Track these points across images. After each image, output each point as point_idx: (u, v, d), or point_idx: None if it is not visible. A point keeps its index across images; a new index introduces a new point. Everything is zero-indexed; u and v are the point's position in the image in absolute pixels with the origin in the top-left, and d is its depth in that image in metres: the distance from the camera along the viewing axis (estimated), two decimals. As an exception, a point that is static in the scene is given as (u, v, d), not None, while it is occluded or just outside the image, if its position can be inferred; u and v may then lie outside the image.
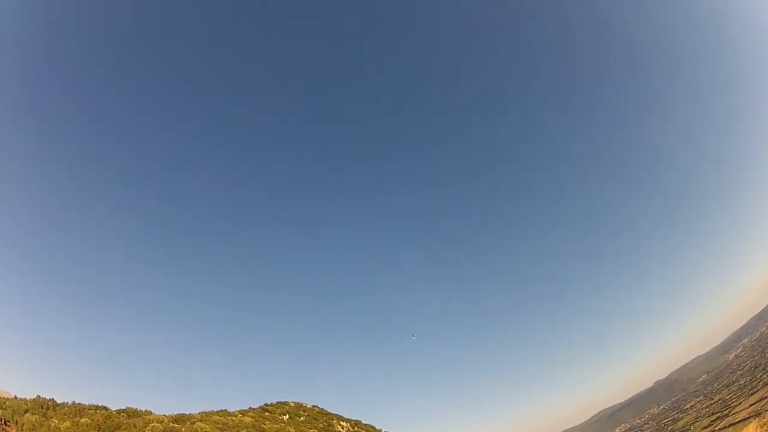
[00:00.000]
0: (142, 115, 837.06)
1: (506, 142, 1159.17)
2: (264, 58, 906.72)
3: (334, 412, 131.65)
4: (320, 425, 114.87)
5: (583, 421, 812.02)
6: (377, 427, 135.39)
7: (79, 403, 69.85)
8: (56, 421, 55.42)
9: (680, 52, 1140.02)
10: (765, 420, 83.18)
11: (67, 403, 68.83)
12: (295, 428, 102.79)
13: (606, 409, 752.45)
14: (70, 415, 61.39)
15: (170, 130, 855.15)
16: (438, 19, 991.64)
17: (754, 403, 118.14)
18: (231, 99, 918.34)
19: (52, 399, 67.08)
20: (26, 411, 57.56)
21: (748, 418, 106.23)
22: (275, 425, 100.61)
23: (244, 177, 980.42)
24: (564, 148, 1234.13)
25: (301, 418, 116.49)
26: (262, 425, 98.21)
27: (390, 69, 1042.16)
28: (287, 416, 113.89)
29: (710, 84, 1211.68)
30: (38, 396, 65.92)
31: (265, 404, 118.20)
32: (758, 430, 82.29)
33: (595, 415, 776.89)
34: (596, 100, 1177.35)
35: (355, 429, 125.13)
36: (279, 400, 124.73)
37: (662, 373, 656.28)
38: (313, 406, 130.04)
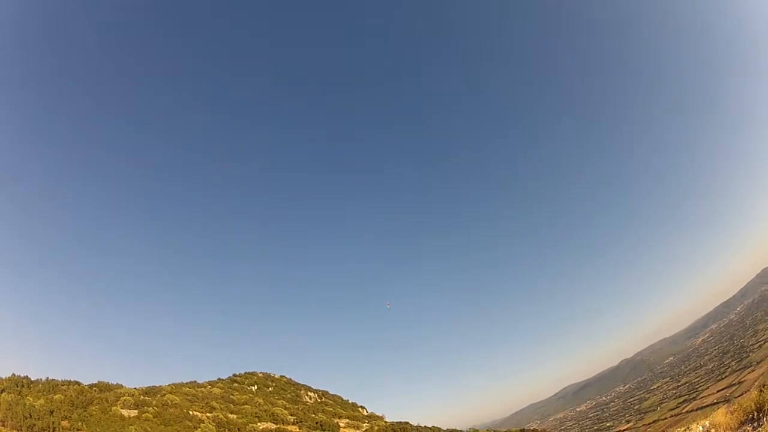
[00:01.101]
0: (141, 113, 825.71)
1: (498, 138, 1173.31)
2: (261, 56, 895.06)
3: (302, 383, 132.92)
4: (288, 395, 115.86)
5: (549, 396, 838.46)
6: (344, 398, 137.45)
7: (53, 379, 69.39)
8: (31, 399, 54.63)
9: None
10: (734, 407, 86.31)
11: (41, 379, 68.20)
12: (263, 399, 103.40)
13: (571, 385, 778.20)
14: (44, 392, 60.91)
15: (166, 128, 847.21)
16: (441, 20, 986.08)
17: (723, 389, 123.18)
18: (229, 96, 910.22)
19: (27, 376, 66.43)
20: (2, 390, 56.66)
21: (717, 403, 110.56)
22: (244, 396, 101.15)
23: (230, 160, 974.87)
24: (550, 142, 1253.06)
25: (270, 388, 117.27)
26: (231, 396, 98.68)
27: (386, 67, 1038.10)
28: (255, 387, 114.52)
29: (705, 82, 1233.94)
30: (13, 374, 65.03)
31: (234, 375, 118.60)
32: (727, 416, 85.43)
33: (560, 391, 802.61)
34: (583, 98, 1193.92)
35: (323, 399, 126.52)
36: (247, 371, 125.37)
37: (628, 353, 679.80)
38: (281, 377, 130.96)
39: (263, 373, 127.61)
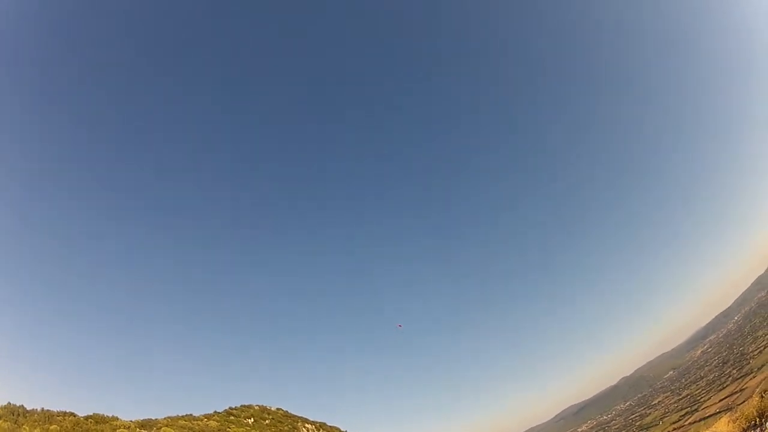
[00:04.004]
0: (140, 117, 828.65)
1: (499, 140, 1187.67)
2: (258, 58, 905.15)
3: (299, 415, 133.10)
4: (285, 428, 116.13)
5: (548, 419, 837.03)
6: (342, 429, 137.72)
7: (48, 410, 69.42)
8: (27, 428, 55.36)
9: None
10: (737, 414, 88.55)
11: (36, 409, 68.33)
12: (260, 431, 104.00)
13: (571, 406, 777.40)
14: (40, 422, 61.25)
15: (166, 131, 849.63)
16: (437, 19, 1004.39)
17: (725, 398, 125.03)
18: (226, 100, 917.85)
19: (22, 405, 66.59)
20: (-2, 418, 57.35)
21: (719, 412, 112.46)
22: (240, 429, 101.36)
23: (224, 176, 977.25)
24: (552, 146, 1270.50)
25: (266, 421, 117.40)
26: (228, 429, 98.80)
27: (385, 67, 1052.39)
28: (252, 420, 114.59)
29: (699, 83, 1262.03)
30: (9, 402, 65.33)
31: (230, 408, 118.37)
32: (730, 424, 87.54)
33: (560, 413, 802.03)
34: (585, 101, 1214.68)
35: (321, 431, 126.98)
36: (243, 403, 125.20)
37: (627, 370, 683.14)
38: (278, 409, 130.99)
39: (259, 406, 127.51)
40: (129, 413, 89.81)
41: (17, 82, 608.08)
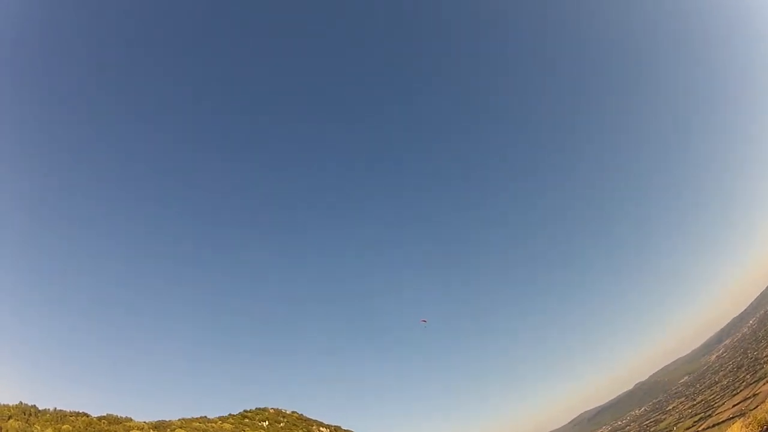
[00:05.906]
0: (140, 118, 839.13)
1: (504, 142, 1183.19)
2: (259, 59, 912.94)
3: (314, 418, 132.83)
4: (300, 431, 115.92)
5: (564, 423, 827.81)
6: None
7: (60, 410, 70.01)
8: (39, 428, 55.79)
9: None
10: (749, 420, 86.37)
11: (49, 409, 68.90)
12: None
13: (586, 411, 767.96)
14: (52, 422, 61.71)
15: (166, 132, 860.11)
16: (440, 20, 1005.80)
17: (738, 403, 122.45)
18: (227, 101, 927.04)
19: (34, 405, 67.21)
20: (10, 417, 57.64)
21: (733, 417, 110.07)
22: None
23: (230, 178, 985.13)
24: (559, 149, 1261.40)
25: (281, 424, 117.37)
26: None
27: (388, 69, 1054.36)
28: (267, 423, 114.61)
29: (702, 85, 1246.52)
30: (21, 402, 65.88)
31: (245, 411, 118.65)
32: (743, 429, 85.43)
33: (576, 418, 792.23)
34: (591, 102, 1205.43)
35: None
36: (258, 406, 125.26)
37: (642, 375, 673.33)
38: (293, 412, 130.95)
39: (274, 409, 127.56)
40: (143, 415, 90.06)
41: (17, 82, 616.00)
